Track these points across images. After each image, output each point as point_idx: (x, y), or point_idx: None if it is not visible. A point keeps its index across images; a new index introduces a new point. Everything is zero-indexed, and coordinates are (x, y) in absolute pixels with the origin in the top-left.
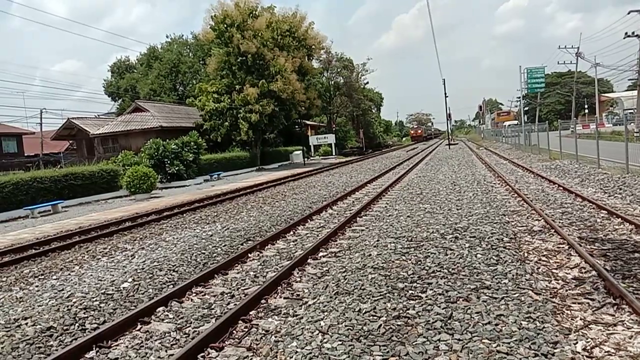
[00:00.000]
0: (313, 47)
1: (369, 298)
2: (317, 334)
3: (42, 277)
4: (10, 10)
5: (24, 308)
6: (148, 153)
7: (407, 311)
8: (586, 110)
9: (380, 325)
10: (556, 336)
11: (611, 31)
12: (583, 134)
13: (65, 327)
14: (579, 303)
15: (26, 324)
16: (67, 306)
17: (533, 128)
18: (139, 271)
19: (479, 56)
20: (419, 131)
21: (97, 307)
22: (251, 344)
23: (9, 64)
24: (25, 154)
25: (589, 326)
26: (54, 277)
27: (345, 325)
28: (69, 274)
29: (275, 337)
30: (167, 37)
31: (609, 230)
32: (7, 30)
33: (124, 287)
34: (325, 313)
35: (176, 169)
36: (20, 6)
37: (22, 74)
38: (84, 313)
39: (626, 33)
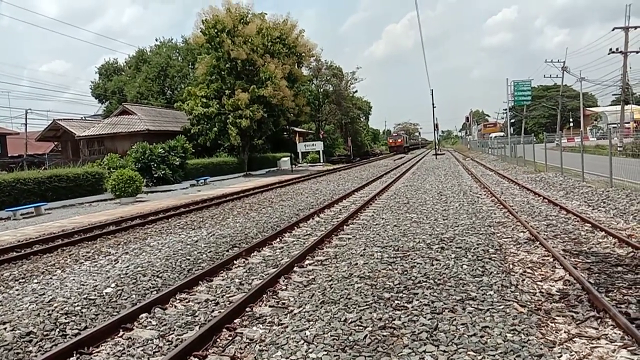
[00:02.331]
0: (303, 54)
1: (355, 308)
2: (302, 344)
3: (23, 280)
4: None
5: (2, 312)
6: (134, 156)
7: (393, 321)
8: (571, 124)
9: (366, 335)
10: (541, 349)
11: (596, 47)
12: (568, 147)
13: (45, 333)
14: (563, 316)
15: (4, 328)
16: (48, 311)
17: (519, 140)
18: (122, 276)
19: (468, 67)
20: (399, 140)
21: (79, 312)
22: (235, 353)
23: None
24: (9, 155)
25: (573, 339)
26: (35, 280)
27: (331, 335)
28: (51, 278)
29: (260, 346)
30: (156, 40)
31: (593, 244)
32: None
33: (106, 293)
34: (311, 322)
35: (162, 173)
36: (8, 5)
37: (8, 73)
38: (65, 318)
39: (610, 49)
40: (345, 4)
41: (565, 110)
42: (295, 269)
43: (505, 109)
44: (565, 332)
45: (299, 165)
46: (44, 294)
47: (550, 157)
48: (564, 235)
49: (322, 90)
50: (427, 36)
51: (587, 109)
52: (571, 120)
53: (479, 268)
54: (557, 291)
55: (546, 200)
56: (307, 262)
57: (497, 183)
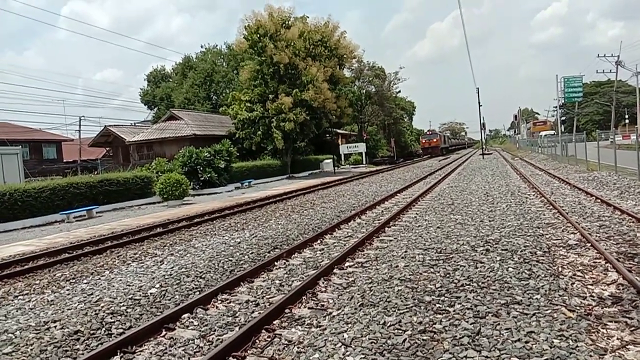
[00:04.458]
0: (345, 56)
1: (395, 311)
2: (340, 347)
3: (73, 280)
4: (57, 22)
5: (54, 311)
6: (181, 160)
7: (434, 325)
8: (626, 121)
9: (405, 339)
10: (590, 356)
11: None
12: (623, 144)
13: (92, 331)
14: (615, 322)
15: (55, 327)
16: (95, 310)
17: (570, 138)
18: (167, 277)
19: (516, 65)
20: (435, 140)
21: (124, 312)
22: (273, 354)
23: (52, 73)
24: (64, 160)
25: (627, 347)
26: (85, 281)
27: (369, 338)
28: (99, 279)
29: (298, 347)
30: (201, 47)
31: None
32: (53, 41)
33: (151, 293)
34: (349, 325)
35: (208, 176)
36: (66, 19)
37: (63, 82)
38: (111, 318)
39: None
40: (389, 5)
41: (620, 107)
42: (335, 270)
43: (556, 107)
44: (617, 338)
45: (342, 167)
46: (92, 293)
47: (604, 156)
48: (618, 237)
49: (364, 91)
50: (473, 34)
51: None
52: (627, 116)
53: (526, 271)
54: (609, 295)
55: (599, 201)
56: (347, 264)
57: (547, 183)
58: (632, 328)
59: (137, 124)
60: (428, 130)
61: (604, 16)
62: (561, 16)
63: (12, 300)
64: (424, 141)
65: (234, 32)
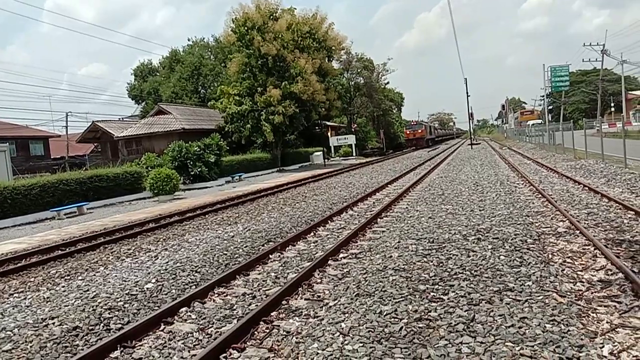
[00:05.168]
0: (333, 48)
1: (390, 300)
2: (338, 336)
3: (68, 277)
4: (40, 16)
5: (51, 308)
6: (171, 155)
7: (429, 313)
8: (612, 109)
9: (402, 327)
10: (581, 339)
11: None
12: (609, 132)
13: (90, 327)
14: (605, 306)
15: (53, 323)
16: (92, 306)
17: (557, 127)
18: (162, 272)
19: (503, 54)
20: (420, 131)
21: (122, 307)
22: (272, 345)
23: (37, 68)
24: (52, 157)
25: (616, 330)
26: (80, 277)
27: (367, 327)
28: (94, 275)
29: (296, 338)
30: (188, 40)
31: (637, 232)
32: (37, 36)
33: (147, 288)
34: (346, 315)
35: (198, 170)
36: (49, 12)
37: (49, 78)
38: (109, 313)
39: None
40: None
41: (605, 95)
42: (329, 262)
43: (543, 96)
44: (607, 322)
45: (332, 159)
46: (88, 290)
47: (591, 144)
48: (606, 224)
49: (353, 83)
50: (461, 24)
51: (630, 92)
52: (612, 105)
53: (517, 259)
54: (598, 281)
55: (587, 188)
56: (341, 255)
57: (535, 172)
58: (621, 312)
59: (125, 119)
60: (412, 121)
61: (590, 4)
62: (547, 4)
63: (8, 299)
64: (408, 132)
65: (219, 23)
